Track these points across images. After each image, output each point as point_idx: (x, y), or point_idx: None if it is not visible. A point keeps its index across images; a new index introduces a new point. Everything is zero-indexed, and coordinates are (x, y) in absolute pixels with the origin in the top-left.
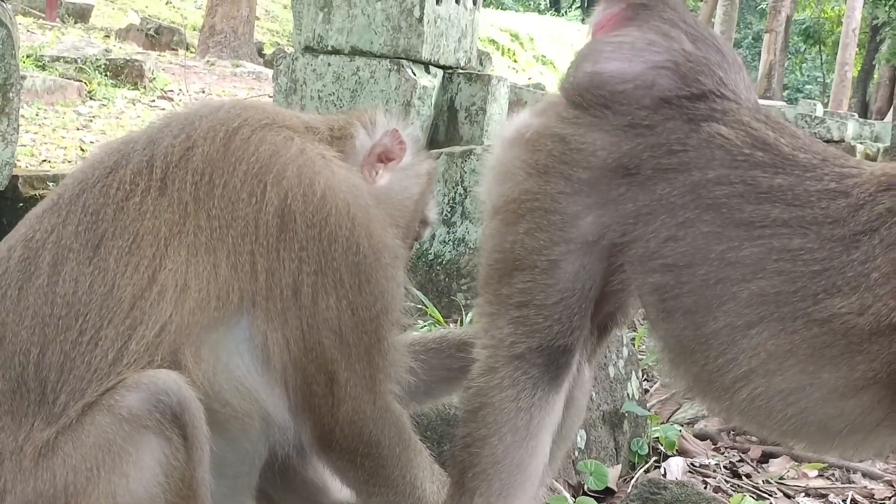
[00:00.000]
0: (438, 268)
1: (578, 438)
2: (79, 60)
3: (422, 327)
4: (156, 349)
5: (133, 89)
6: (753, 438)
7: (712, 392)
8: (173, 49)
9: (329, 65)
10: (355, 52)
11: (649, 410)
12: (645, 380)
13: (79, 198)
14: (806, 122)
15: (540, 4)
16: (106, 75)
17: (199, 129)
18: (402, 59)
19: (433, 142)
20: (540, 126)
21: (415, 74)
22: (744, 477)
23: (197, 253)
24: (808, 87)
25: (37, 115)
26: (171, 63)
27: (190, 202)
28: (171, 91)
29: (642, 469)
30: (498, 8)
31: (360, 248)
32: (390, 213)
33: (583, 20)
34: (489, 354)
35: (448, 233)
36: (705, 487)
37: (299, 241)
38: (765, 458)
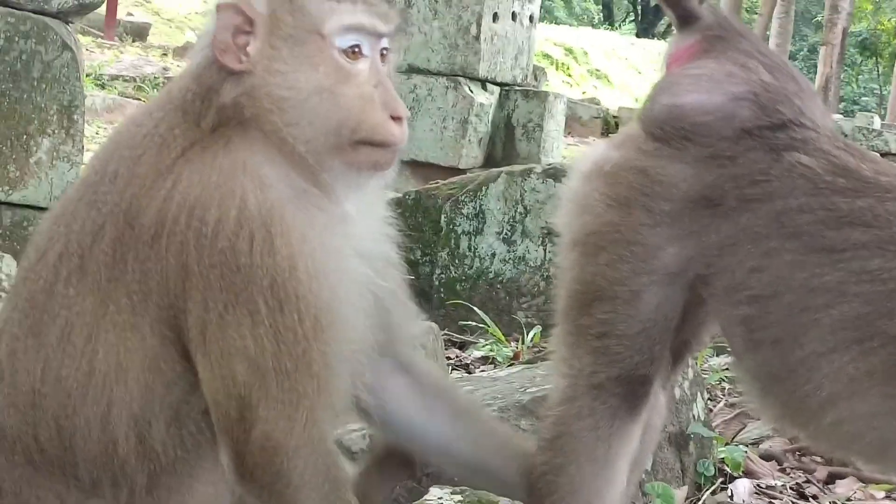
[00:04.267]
0: (499, 286)
1: None
2: (137, 79)
3: (483, 346)
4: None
5: None
6: (819, 459)
7: (800, 418)
8: None
9: None
10: (412, 69)
11: (714, 430)
12: (708, 399)
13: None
14: (863, 134)
15: (594, 18)
16: None
17: None
18: (459, 76)
19: (490, 158)
20: (619, 159)
21: (472, 92)
22: (810, 498)
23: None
24: (864, 99)
25: (97, 133)
26: None
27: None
28: None
29: (709, 491)
30: (552, 22)
31: (270, 270)
32: (291, 131)
33: (637, 34)
34: (568, 384)
35: (508, 251)
36: None
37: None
38: (831, 478)
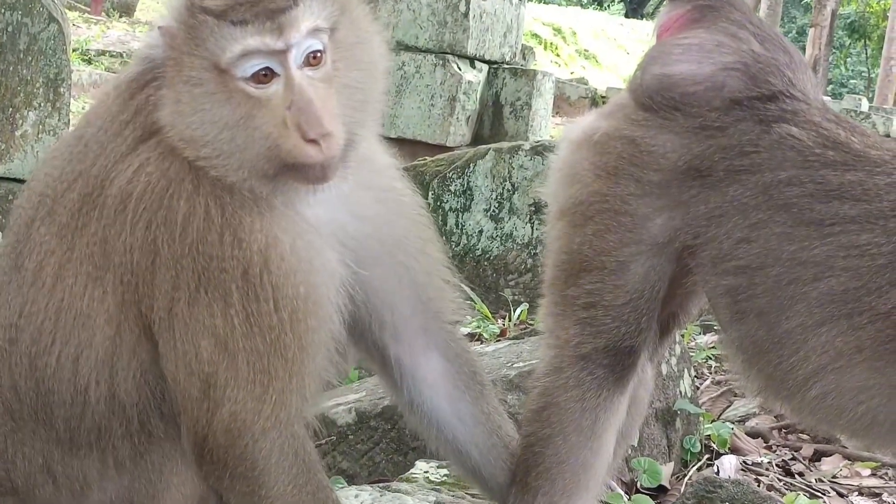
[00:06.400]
0: (486, 263)
1: None
2: (124, 54)
3: (470, 322)
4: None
5: None
6: (805, 436)
7: (785, 391)
8: None
9: None
10: (401, 46)
11: (700, 408)
12: (695, 377)
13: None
14: (851, 117)
15: None
16: None
17: None
18: (448, 53)
19: (478, 136)
20: (608, 128)
21: (460, 69)
22: (796, 475)
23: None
24: (852, 81)
25: (83, 108)
26: None
27: None
28: None
29: (695, 467)
30: (540, 2)
31: (241, 262)
32: (210, 163)
33: (626, 14)
34: (555, 355)
35: (496, 228)
36: (758, 486)
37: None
38: (817, 456)
